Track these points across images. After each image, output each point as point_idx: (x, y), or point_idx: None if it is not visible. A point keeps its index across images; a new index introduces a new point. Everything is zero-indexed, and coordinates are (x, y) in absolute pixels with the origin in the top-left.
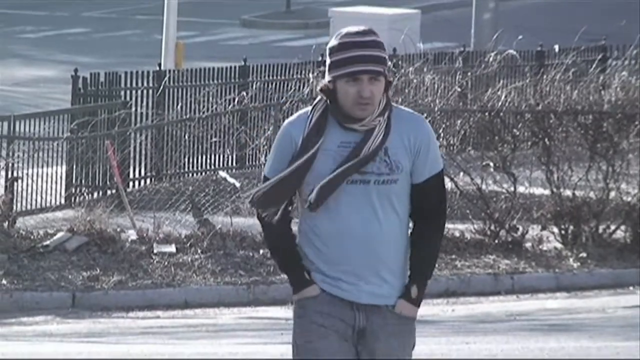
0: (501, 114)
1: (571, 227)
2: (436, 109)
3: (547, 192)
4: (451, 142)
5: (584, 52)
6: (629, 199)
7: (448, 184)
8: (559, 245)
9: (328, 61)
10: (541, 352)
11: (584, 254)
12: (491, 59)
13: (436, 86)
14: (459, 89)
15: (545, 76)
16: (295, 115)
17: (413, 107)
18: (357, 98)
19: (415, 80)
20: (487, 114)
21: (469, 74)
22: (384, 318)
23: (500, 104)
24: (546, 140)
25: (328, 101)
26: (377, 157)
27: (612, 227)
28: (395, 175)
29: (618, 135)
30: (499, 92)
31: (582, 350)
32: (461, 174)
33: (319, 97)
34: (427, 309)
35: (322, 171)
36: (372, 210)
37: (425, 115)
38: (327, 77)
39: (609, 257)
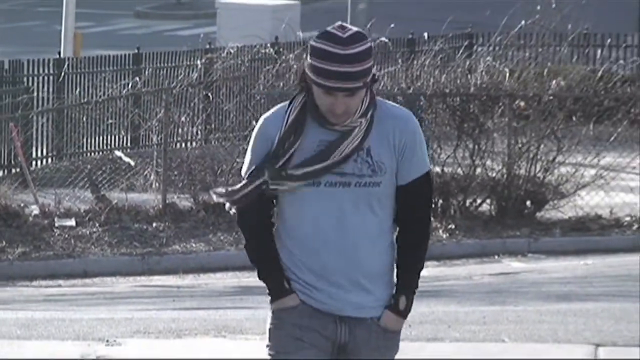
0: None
1: (440, 201)
2: None
3: None
4: None
5: (452, 39)
6: (494, 174)
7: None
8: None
9: (308, 57)
10: (412, 316)
11: (452, 226)
12: None
13: None
14: None
15: (415, 62)
16: (271, 110)
17: (293, 90)
18: (330, 109)
19: (295, 66)
20: None
21: None
22: (368, 332)
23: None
24: (417, 120)
25: (306, 95)
26: (357, 157)
27: (478, 201)
28: (378, 177)
29: (483, 115)
30: None
31: (451, 314)
32: None
33: (297, 91)
34: None
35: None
36: (352, 215)
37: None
38: (306, 70)
39: (476, 228)
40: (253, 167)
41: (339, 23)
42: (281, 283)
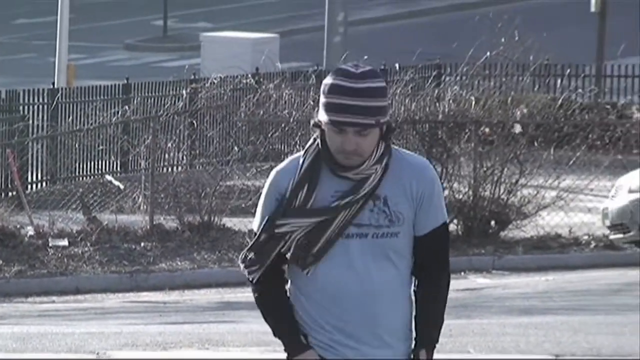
0: None
1: None
2: (292, 119)
3: None
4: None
5: (421, 70)
6: (461, 196)
7: None
8: None
9: (321, 96)
10: None
11: None
12: None
13: (293, 100)
14: (312, 102)
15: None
16: (285, 162)
17: (273, 118)
18: (341, 149)
19: (274, 95)
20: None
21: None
22: None
23: None
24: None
25: (320, 145)
26: (374, 207)
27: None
28: (396, 228)
29: (451, 141)
30: None
31: None
32: None
33: (311, 141)
34: None
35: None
36: (370, 267)
37: (283, 125)
38: (320, 110)
39: None
40: (265, 221)
41: (354, 62)
42: (298, 339)
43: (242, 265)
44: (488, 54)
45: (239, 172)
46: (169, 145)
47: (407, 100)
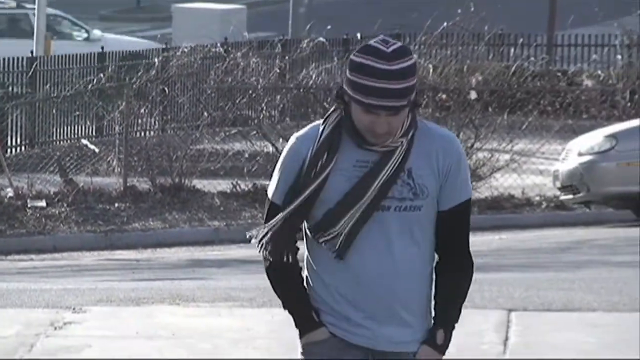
0: (313, 90)
1: None
2: (259, 86)
3: None
4: (272, 114)
5: None
6: None
7: (270, 149)
8: None
9: (348, 73)
10: None
11: None
12: (305, 45)
13: (259, 68)
14: (278, 70)
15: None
16: (304, 129)
17: (240, 85)
18: (370, 128)
19: (242, 63)
20: (301, 90)
21: (287, 57)
22: None
23: (312, 82)
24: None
25: (342, 113)
26: (398, 179)
27: None
28: (420, 201)
29: None
30: (312, 73)
31: None
32: (280, 139)
33: (332, 108)
34: (252, 252)
35: (335, 194)
36: (390, 242)
37: (250, 91)
38: (345, 86)
39: None
40: (285, 192)
41: (382, 37)
42: (309, 316)
43: (258, 238)
44: (445, 24)
45: (209, 137)
46: (142, 111)
47: None
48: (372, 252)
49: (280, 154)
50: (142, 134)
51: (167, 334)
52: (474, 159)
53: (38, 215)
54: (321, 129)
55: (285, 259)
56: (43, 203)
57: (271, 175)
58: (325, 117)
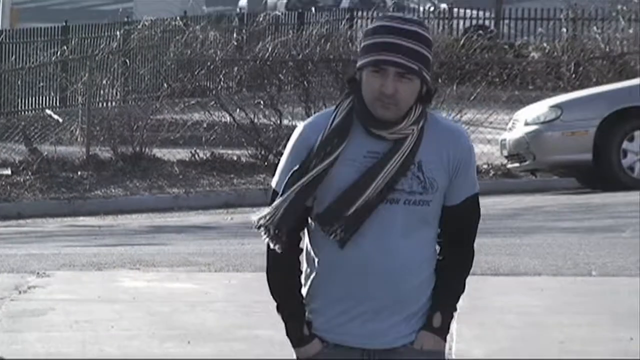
0: (269, 62)
1: None
2: (217, 58)
3: None
4: (230, 85)
5: (336, 12)
6: None
7: (227, 119)
8: None
9: (362, 43)
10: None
11: None
12: (261, 19)
13: (217, 40)
14: (235, 43)
15: (304, 32)
16: (313, 116)
17: (199, 57)
18: (378, 94)
19: (201, 36)
20: (258, 62)
21: (244, 31)
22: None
23: (268, 54)
24: (305, 83)
25: (355, 100)
26: (408, 172)
27: None
28: (429, 196)
29: None
30: (267, 45)
31: None
32: (237, 110)
33: (344, 96)
34: (210, 218)
35: (343, 184)
36: (396, 236)
37: (208, 63)
38: (358, 61)
39: None
40: (287, 173)
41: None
42: (301, 329)
43: (262, 229)
44: None
45: (168, 107)
46: (104, 82)
47: (322, 41)
48: (379, 246)
49: (235, 123)
50: (104, 104)
51: (128, 297)
52: None
53: (3, 183)
54: (332, 116)
55: (289, 248)
56: (8, 171)
57: (230, 144)
58: (337, 104)
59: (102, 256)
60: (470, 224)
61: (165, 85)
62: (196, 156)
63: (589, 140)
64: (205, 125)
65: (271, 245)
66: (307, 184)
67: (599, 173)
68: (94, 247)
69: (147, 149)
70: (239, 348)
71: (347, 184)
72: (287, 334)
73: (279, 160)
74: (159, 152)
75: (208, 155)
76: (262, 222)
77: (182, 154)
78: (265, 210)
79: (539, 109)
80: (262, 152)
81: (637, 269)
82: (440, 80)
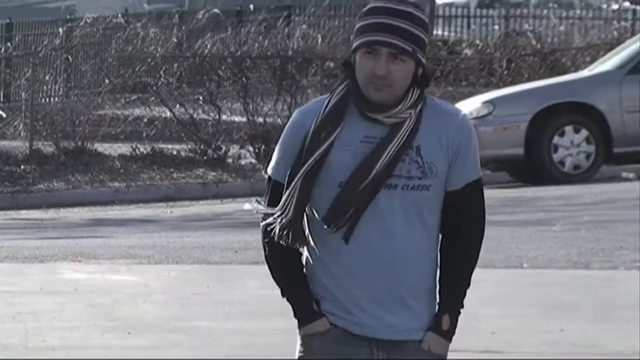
0: (208, 58)
1: (263, 147)
2: (158, 55)
3: (244, 119)
4: (170, 81)
5: (273, 11)
6: None
7: (167, 114)
8: (253, 161)
9: (356, 25)
10: (238, 243)
11: None
12: (200, 16)
13: (158, 37)
14: (175, 40)
15: (243, 29)
16: (307, 104)
17: (140, 54)
18: (371, 75)
19: (141, 33)
20: (197, 58)
21: (184, 28)
22: (409, 356)
23: (207, 51)
24: (243, 79)
25: (350, 83)
26: (406, 156)
27: None
28: (428, 180)
29: (299, 75)
30: (207, 42)
31: None
32: (177, 105)
33: (339, 82)
34: (150, 211)
35: (341, 172)
36: (396, 222)
37: (149, 60)
38: (352, 45)
39: None
40: (286, 168)
41: None
42: (309, 305)
43: (278, 233)
44: None
45: (110, 103)
46: (47, 78)
47: (260, 38)
48: (377, 233)
49: (175, 119)
50: (47, 100)
51: (70, 289)
52: None
53: None
54: (327, 100)
55: (298, 246)
56: None
57: (170, 139)
58: (332, 89)
59: (45, 249)
60: (472, 213)
61: (106, 81)
62: (137, 151)
63: (520, 135)
64: (145, 120)
65: (295, 245)
66: (307, 174)
67: (530, 167)
68: (37, 239)
69: (88, 144)
70: (178, 339)
71: (346, 172)
72: (295, 314)
73: (219, 155)
74: (100, 147)
75: (148, 149)
76: (277, 226)
77: (123, 148)
78: (274, 213)
79: (472, 105)
80: (201, 147)
81: (567, 261)
82: None
